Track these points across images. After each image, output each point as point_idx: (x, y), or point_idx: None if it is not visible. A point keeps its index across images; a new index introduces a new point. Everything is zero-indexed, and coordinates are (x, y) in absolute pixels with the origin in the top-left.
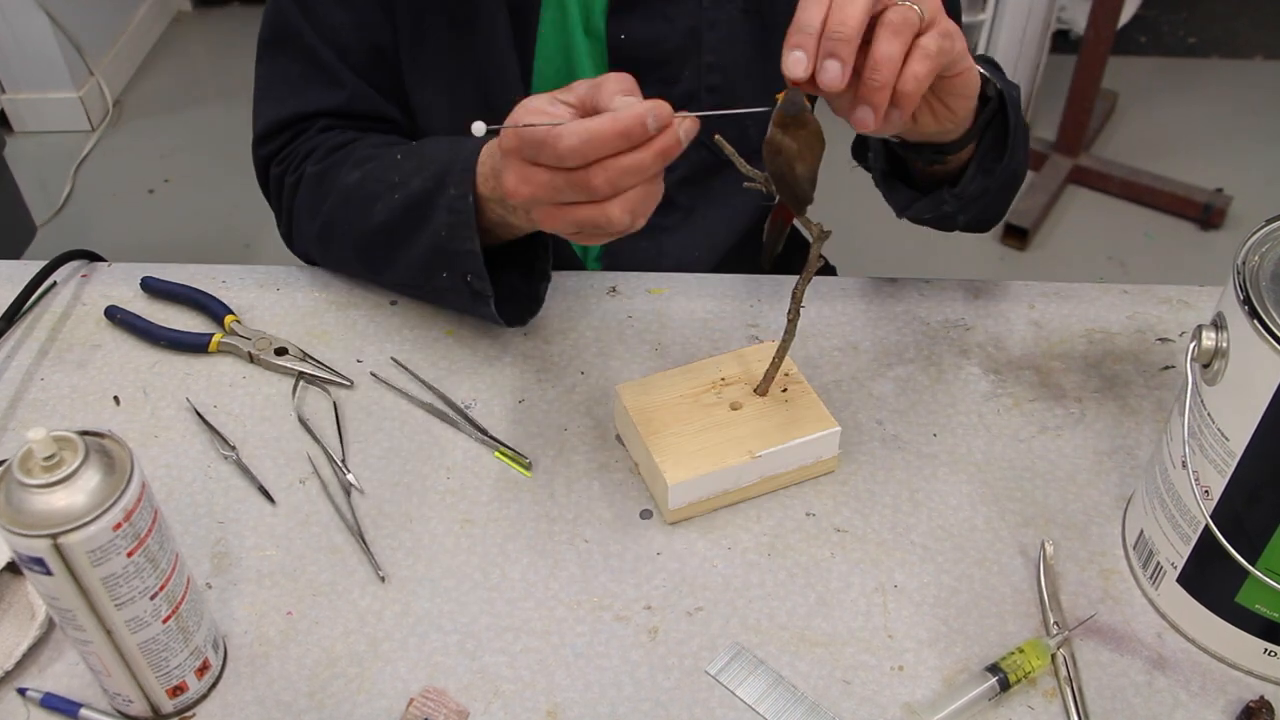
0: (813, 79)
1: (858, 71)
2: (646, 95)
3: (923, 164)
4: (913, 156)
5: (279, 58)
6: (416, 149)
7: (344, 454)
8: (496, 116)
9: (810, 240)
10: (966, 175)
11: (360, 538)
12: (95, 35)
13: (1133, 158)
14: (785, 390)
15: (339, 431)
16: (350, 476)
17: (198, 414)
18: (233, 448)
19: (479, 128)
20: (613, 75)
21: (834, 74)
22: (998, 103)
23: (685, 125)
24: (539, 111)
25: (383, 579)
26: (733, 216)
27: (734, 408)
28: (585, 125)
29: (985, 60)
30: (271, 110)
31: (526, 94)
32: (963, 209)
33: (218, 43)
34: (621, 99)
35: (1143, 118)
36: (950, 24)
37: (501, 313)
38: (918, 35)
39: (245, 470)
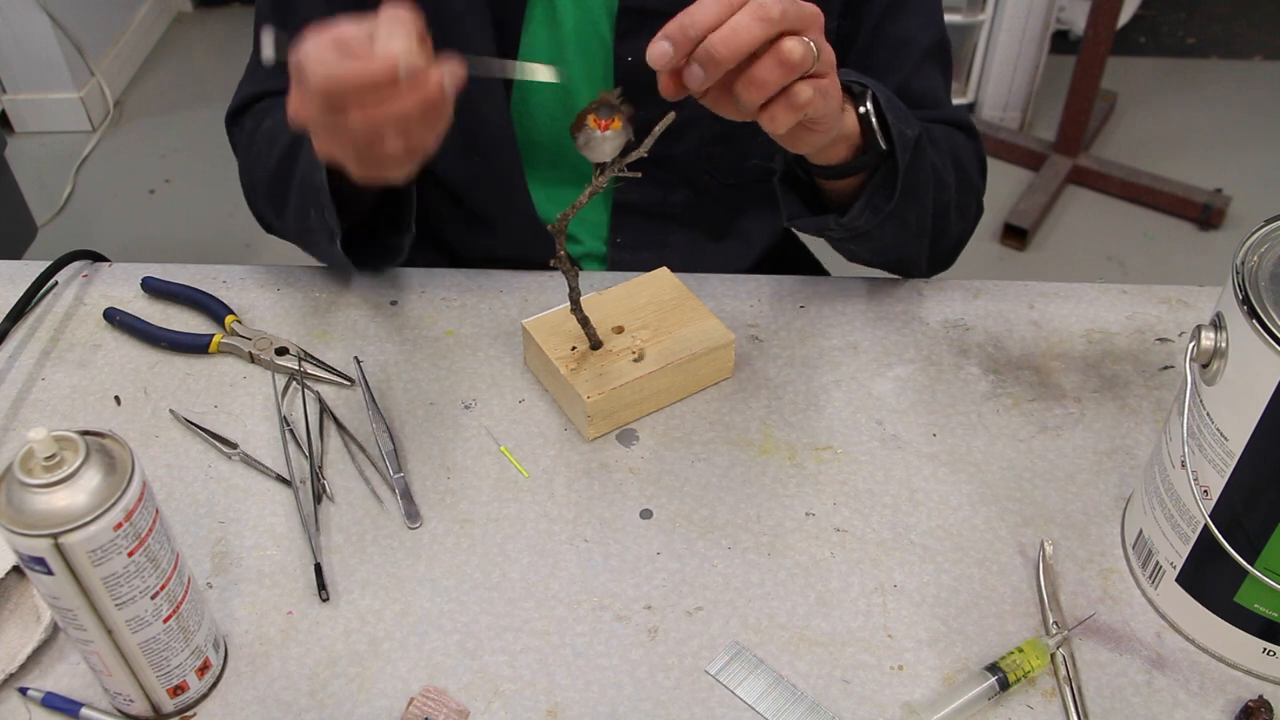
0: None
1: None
2: (649, 114)
3: (803, 175)
4: (793, 163)
5: (252, 47)
6: None
7: (322, 459)
8: (480, 126)
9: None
10: (854, 209)
11: (313, 545)
12: (96, 35)
13: (1132, 158)
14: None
15: (321, 434)
16: (325, 483)
17: (189, 423)
18: (234, 445)
19: (267, 51)
20: (387, 13)
21: (697, 81)
22: (880, 155)
23: (449, 72)
24: (338, 36)
25: (325, 599)
26: (748, 244)
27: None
28: (330, 69)
29: (889, 104)
30: (239, 93)
31: (508, 106)
32: (852, 240)
33: (218, 43)
34: (383, 43)
35: (1142, 118)
36: (833, 84)
37: (357, 257)
38: (801, 77)
39: (253, 463)
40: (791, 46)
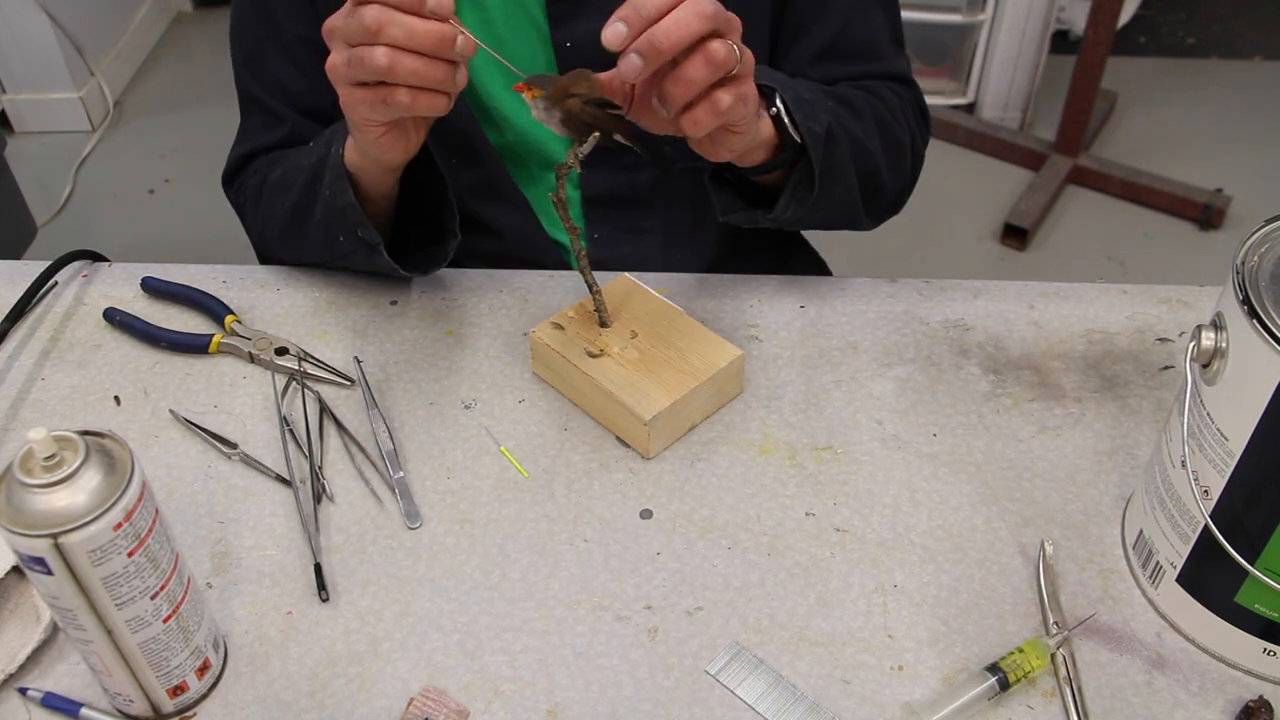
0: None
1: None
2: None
3: (727, 174)
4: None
5: (243, 117)
6: (323, 133)
7: (322, 459)
8: (450, 134)
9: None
10: (779, 204)
11: (313, 545)
12: (96, 35)
13: (1132, 158)
14: (635, 335)
15: (321, 434)
16: (324, 484)
17: (189, 422)
18: (234, 445)
19: None
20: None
21: (634, 70)
22: (797, 149)
23: (462, 40)
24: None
25: (324, 600)
26: (725, 226)
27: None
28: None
29: (798, 90)
30: (231, 156)
31: (472, 114)
32: (787, 226)
33: (218, 43)
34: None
35: (1142, 118)
36: (751, 89)
37: (404, 264)
38: (723, 80)
39: (253, 463)
40: (717, 47)
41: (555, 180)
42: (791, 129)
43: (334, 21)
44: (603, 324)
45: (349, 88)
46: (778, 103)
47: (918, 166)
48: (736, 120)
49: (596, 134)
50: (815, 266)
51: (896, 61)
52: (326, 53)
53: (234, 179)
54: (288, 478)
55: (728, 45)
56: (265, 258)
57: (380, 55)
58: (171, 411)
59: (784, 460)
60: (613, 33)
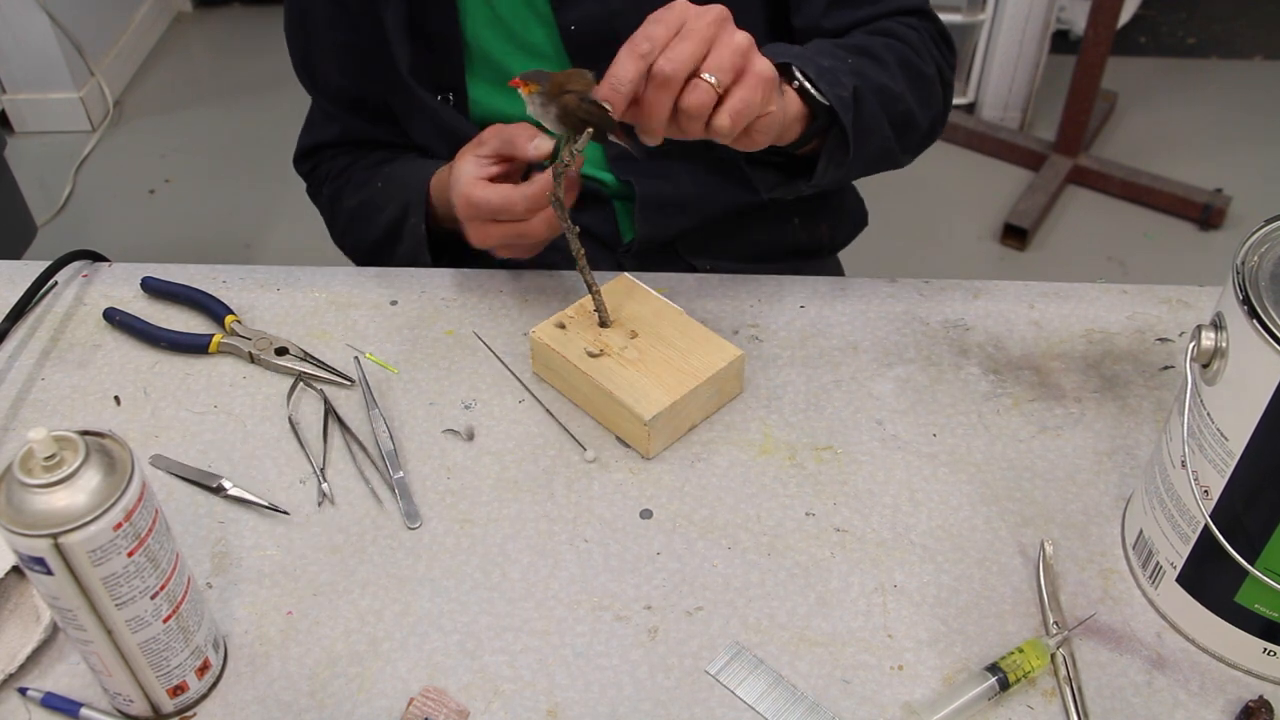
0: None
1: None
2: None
3: (766, 154)
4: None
5: (311, 105)
6: (390, 175)
7: (324, 462)
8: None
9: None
10: (819, 170)
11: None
12: (96, 35)
13: (1132, 158)
14: (635, 335)
15: (325, 437)
16: (325, 486)
17: (180, 477)
18: (217, 480)
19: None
20: (510, 128)
21: (652, 142)
22: (827, 118)
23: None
24: (476, 181)
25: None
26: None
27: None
28: (522, 191)
29: (816, 60)
30: (301, 140)
31: (463, 79)
32: (829, 187)
33: (218, 43)
34: (535, 145)
35: (1142, 118)
36: (750, 91)
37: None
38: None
39: (241, 501)
40: (688, 104)
41: (553, 177)
42: (819, 97)
43: (495, 238)
44: (603, 324)
45: (496, 239)
46: (798, 77)
47: (949, 95)
48: (750, 122)
49: (590, 129)
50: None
51: None
52: (361, 54)
53: (303, 163)
54: (302, 478)
55: (698, 87)
56: (344, 247)
57: (543, 231)
58: (154, 457)
59: (784, 460)
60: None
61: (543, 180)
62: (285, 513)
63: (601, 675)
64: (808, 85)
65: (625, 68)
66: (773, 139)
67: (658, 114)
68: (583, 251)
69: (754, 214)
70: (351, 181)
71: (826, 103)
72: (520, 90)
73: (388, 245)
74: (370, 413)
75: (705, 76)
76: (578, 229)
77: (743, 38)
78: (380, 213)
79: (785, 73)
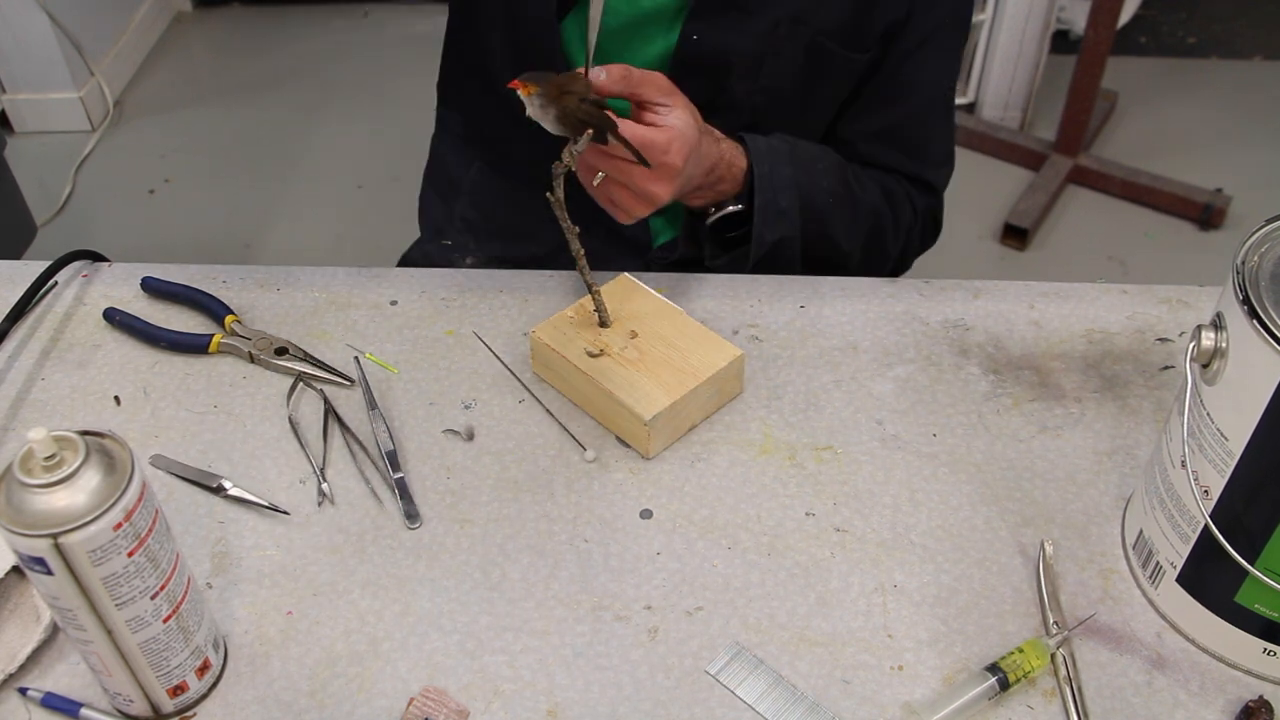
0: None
1: None
2: (697, 94)
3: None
4: None
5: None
6: None
7: (324, 462)
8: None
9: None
10: (709, 254)
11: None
12: (95, 35)
13: (1132, 158)
14: (635, 335)
15: (325, 437)
16: (325, 486)
17: (180, 477)
18: (218, 480)
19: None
20: (655, 75)
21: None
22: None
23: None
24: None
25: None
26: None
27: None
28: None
29: (761, 210)
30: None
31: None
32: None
33: (218, 43)
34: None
35: (1143, 118)
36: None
37: None
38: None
39: (242, 501)
40: (603, 195)
41: (551, 180)
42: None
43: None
44: (603, 324)
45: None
46: (728, 207)
47: (901, 267)
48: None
49: (590, 131)
50: None
51: (937, 171)
52: None
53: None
54: (302, 478)
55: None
56: None
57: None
58: (154, 460)
59: (784, 460)
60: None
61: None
62: (285, 513)
63: (601, 675)
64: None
65: (611, 76)
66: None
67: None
68: (582, 251)
69: None
70: None
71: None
72: (520, 92)
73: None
74: (370, 413)
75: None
76: (578, 229)
77: (660, 191)
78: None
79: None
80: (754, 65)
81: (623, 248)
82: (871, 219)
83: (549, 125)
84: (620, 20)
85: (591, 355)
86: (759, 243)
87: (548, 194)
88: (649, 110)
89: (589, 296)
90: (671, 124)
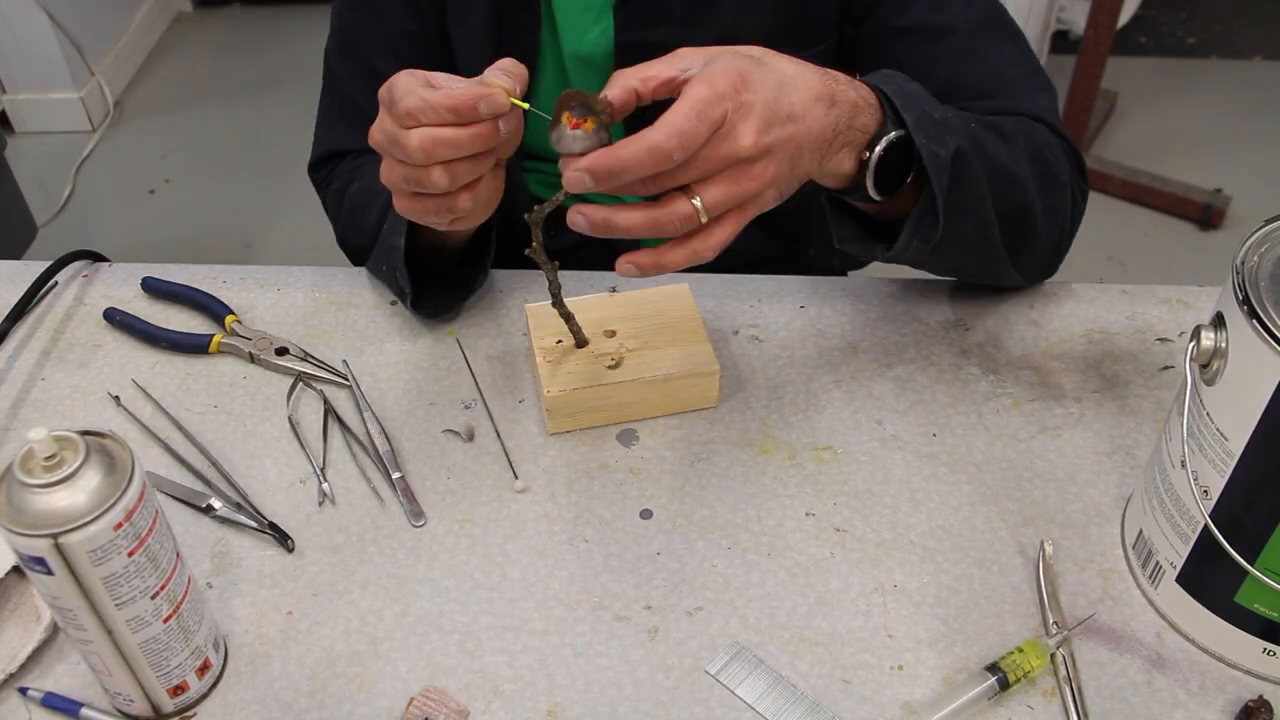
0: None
1: None
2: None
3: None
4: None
5: (330, 92)
6: None
7: (324, 462)
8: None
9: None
10: (900, 240)
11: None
12: (96, 35)
13: (1132, 158)
14: (614, 334)
15: (325, 437)
16: (325, 486)
17: (171, 495)
18: (207, 499)
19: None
20: (505, 60)
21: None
22: (921, 174)
23: (510, 120)
24: (431, 78)
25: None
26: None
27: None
28: (423, 91)
29: (924, 104)
30: (320, 143)
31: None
32: (911, 265)
33: (218, 43)
34: (492, 73)
35: (1142, 118)
36: (740, 220)
37: (430, 303)
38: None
39: (232, 521)
40: (662, 221)
41: (530, 224)
42: (922, 154)
43: (376, 137)
44: (580, 345)
45: (407, 199)
46: (877, 149)
47: (1078, 217)
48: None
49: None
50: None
51: (1033, 98)
52: (428, 49)
53: (319, 171)
54: (304, 478)
55: (686, 210)
56: (345, 250)
57: (438, 177)
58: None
59: (784, 460)
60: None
61: (473, 93)
62: (276, 535)
63: (601, 675)
64: (875, 157)
65: (612, 87)
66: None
67: (623, 179)
68: (560, 286)
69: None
70: (364, 169)
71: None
72: (581, 129)
73: (377, 231)
74: (364, 415)
75: (695, 201)
76: (556, 263)
77: (747, 141)
78: (377, 197)
79: (881, 101)
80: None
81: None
82: (1025, 139)
83: (563, 151)
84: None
85: (611, 369)
86: (936, 166)
87: (527, 251)
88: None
89: (538, 343)
90: (703, 69)
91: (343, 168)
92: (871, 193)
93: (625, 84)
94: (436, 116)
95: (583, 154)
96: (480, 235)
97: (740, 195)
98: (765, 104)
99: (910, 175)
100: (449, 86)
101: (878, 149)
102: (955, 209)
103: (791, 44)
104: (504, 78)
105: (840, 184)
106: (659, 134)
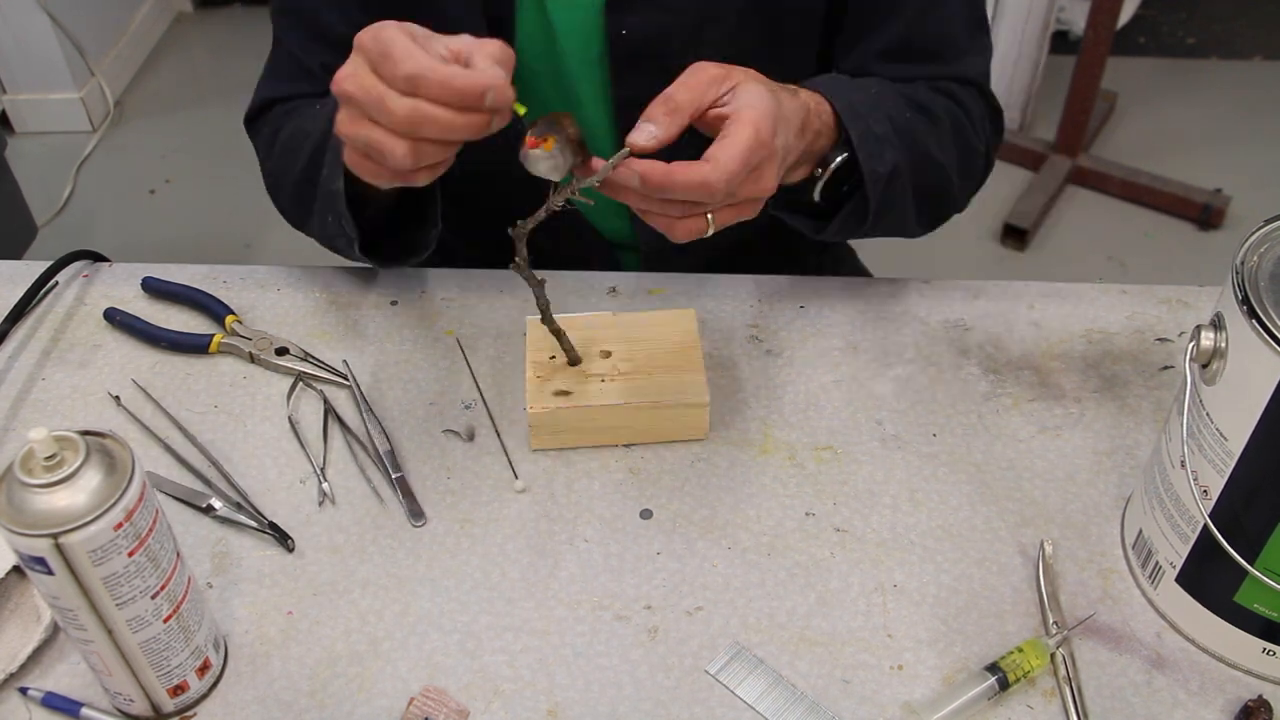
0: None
1: None
2: (646, 88)
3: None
4: None
5: (273, 53)
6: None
7: (324, 462)
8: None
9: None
10: (829, 229)
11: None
12: (96, 35)
13: (1132, 158)
14: (609, 354)
15: (325, 437)
16: (325, 486)
17: (171, 495)
18: (207, 499)
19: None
20: (488, 41)
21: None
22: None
23: (503, 119)
24: (412, 36)
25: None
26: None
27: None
28: (430, 62)
29: (869, 119)
30: (258, 92)
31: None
32: (835, 240)
33: (218, 43)
34: (487, 64)
35: (1142, 118)
36: (745, 211)
37: (382, 255)
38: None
39: (232, 521)
40: (676, 231)
41: (514, 239)
42: (863, 169)
43: (348, 87)
44: (573, 363)
45: (357, 157)
46: (843, 143)
47: (987, 172)
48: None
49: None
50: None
51: (972, 60)
52: (384, 6)
53: (255, 120)
54: (304, 478)
55: (699, 223)
56: (278, 204)
57: (404, 153)
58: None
59: (784, 460)
60: (646, 135)
61: (483, 80)
62: (276, 535)
63: (601, 675)
64: (824, 176)
65: (668, 130)
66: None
67: (665, 196)
68: (549, 303)
69: (766, 246)
70: (297, 111)
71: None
72: (541, 148)
73: (309, 174)
74: (365, 416)
75: (709, 218)
76: (544, 280)
77: (769, 184)
78: (309, 139)
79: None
80: (693, 39)
81: (595, 248)
82: (950, 119)
83: (529, 170)
84: (543, 63)
85: (600, 390)
86: (874, 180)
87: (511, 265)
88: (715, 107)
89: (531, 357)
90: (744, 107)
91: (275, 113)
92: (815, 198)
93: (659, 127)
94: (439, 92)
95: (547, 175)
96: (425, 191)
97: (743, 217)
98: (783, 148)
99: (847, 185)
100: (456, 52)
101: (828, 171)
102: (884, 210)
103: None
104: (499, 70)
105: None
106: (715, 174)
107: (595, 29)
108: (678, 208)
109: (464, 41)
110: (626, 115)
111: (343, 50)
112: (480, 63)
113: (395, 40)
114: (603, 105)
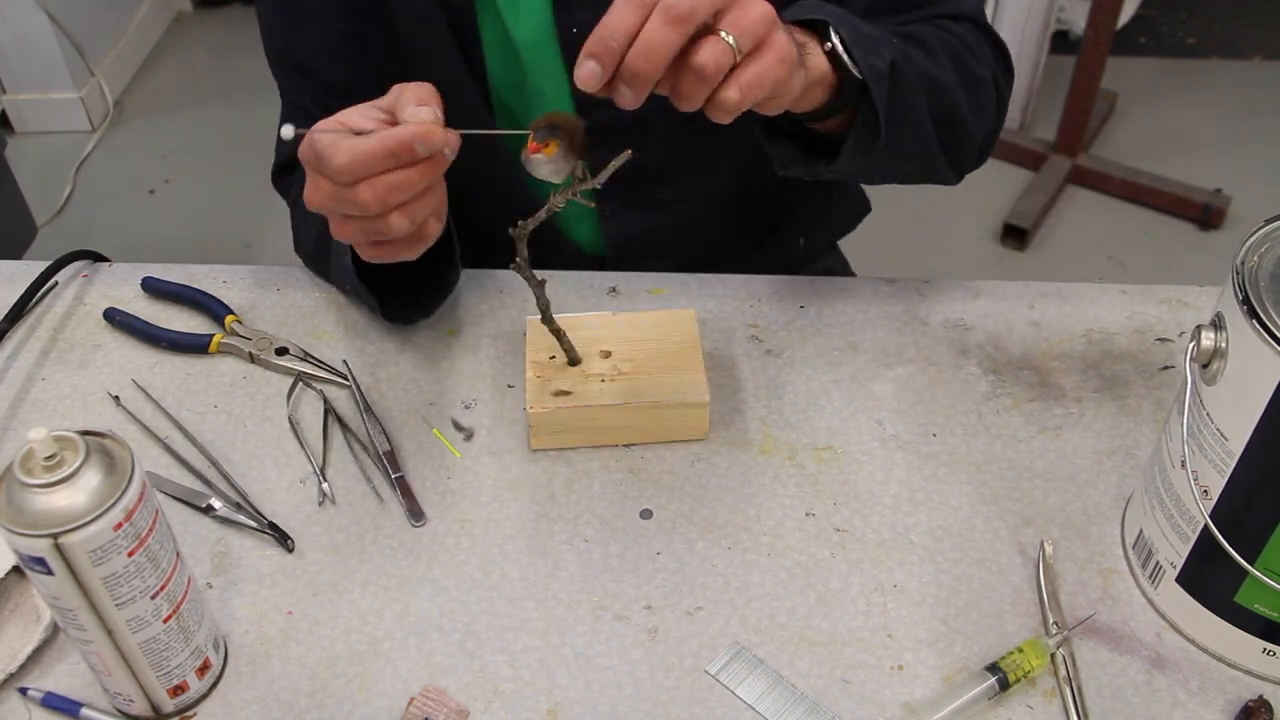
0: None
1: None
2: (605, 85)
3: (785, 123)
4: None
5: (283, 100)
6: None
7: (324, 462)
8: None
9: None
10: (843, 153)
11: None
12: (96, 35)
13: (1132, 158)
14: (609, 354)
15: (325, 437)
16: (325, 486)
17: (170, 495)
18: (207, 499)
19: (287, 131)
20: (412, 85)
21: (629, 101)
22: (859, 87)
23: (450, 141)
24: (346, 121)
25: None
26: (722, 174)
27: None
28: (354, 143)
29: (853, 22)
30: (279, 151)
31: (490, 116)
32: (852, 176)
33: (218, 43)
34: (411, 111)
35: (1142, 118)
36: (766, 66)
37: (405, 307)
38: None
39: (232, 521)
40: (703, 61)
41: (514, 239)
42: (851, 66)
43: (316, 200)
44: (573, 363)
45: (369, 249)
46: (832, 38)
47: (1003, 111)
48: (763, 98)
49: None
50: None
51: (964, 1)
52: (364, 41)
53: (280, 178)
54: (304, 478)
55: (716, 47)
56: (301, 257)
57: (398, 222)
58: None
59: (784, 460)
60: (588, 73)
61: (406, 134)
62: (276, 535)
63: (601, 675)
64: (839, 49)
65: (622, 16)
66: (785, 107)
67: (657, 56)
68: (549, 303)
69: (752, 243)
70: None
71: (859, 75)
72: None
73: (326, 239)
74: (363, 415)
75: (723, 34)
76: (544, 280)
77: (766, 7)
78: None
79: (815, 29)
80: None
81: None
82: (945, 45)
83: (532, 174)
84: (512, 75)
85: (600, 390)
86: (876, 76)
87: (511, 265)
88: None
89: (531, 357)
90: None
91: (298, 174)
92: (854, 71)
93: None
94: (378, 165)
95: (551, 178)
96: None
97: (767, 72)
98: None
99: (846, 91)
100: (362, 124)
101: (831, 41)
102: (895, 118)
103: None
104: (425, 110)
105: (812, 103)
106: None
107: (548, 33)
108: (673, 32)
109: (392, 95)
110: (593, 115)
111: (343, 94)
112: (405, 114)
113: (321, 142)
114: (569, 108)
